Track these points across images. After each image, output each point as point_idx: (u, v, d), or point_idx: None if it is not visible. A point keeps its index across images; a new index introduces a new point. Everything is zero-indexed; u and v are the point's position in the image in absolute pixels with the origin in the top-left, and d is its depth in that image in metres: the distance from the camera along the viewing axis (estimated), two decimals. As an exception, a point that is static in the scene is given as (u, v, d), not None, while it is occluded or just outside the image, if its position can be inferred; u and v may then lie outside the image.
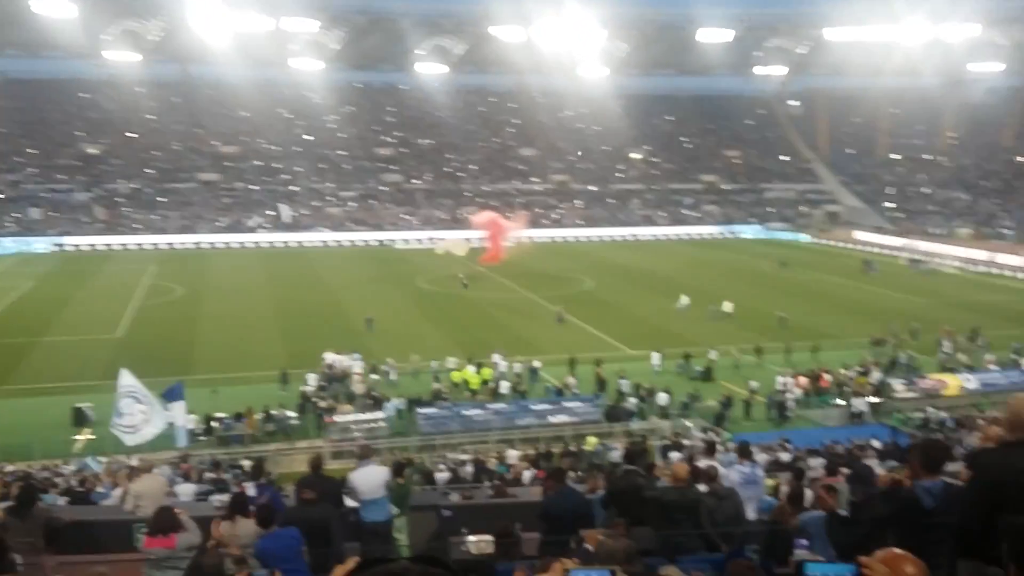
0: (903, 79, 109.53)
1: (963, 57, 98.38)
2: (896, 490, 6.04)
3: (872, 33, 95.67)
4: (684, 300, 49.28)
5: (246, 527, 7.89)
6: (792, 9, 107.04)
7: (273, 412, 29.83)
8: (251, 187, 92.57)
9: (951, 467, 7.92)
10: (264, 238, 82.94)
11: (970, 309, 49.49)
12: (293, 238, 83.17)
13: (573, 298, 51.43)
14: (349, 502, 11.21)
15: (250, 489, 13.24)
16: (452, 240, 69.78)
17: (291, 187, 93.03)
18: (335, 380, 34.21)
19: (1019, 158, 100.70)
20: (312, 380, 33.31)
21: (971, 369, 36.62)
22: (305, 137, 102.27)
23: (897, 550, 2.87)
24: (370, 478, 10.93)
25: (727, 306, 47.55)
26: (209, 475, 19.68)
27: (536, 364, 36.13)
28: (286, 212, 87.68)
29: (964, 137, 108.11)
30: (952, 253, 71.64)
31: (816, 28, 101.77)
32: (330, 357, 36.12)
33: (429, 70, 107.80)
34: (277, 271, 64.85)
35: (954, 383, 34.72)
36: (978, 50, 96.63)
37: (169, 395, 24.80)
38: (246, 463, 22.10)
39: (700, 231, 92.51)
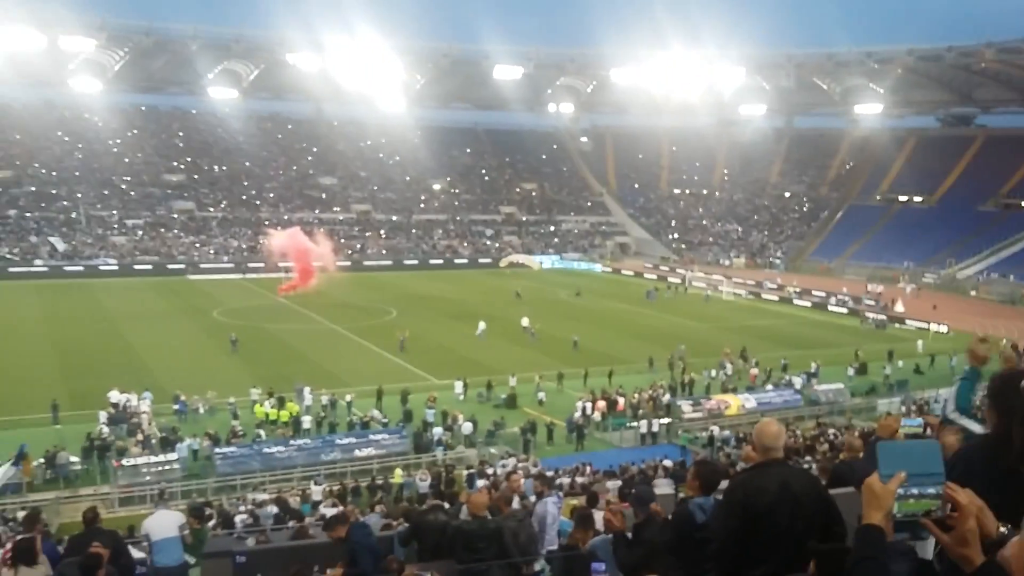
0: (681, 119, 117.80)
1: (733, 99, 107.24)
2: (675, 512, 6.61)
3: (652, 75, 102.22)
4: (482, 326, 50.43)
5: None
6: (579, 50, 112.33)
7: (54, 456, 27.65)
8: (26, 214, 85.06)
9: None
10: (42, 269, 76.11)
11: (744, 332, 53.73)
12: (75, 269, 77.11)
13: (379, 329, 51.10)
14: (138, 553, 10.73)
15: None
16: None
17: (72, 215, 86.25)
18: (122, 420, 32.19)
19: (786, 193, 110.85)
20: (104, 419, 31.34)
21: (750, 389, 39.79)
22: (85, 161, 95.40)
23: None
24: (162, 522, 10.62)
25: (524, 321, 50.43)
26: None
27: (348, 397, 35.60)
28: (58, 242, 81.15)
29: (735, 174, 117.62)
30: (729, 281, 77.34)
31: (602, 69, 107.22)
32: (115, 396, 34.00)
33: (221, 95, 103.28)
34: (56, 305, 59.94)
35: (735, 403, 37.56)
36: (745, 93, 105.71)
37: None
38: (22, 514, 20.45)
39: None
